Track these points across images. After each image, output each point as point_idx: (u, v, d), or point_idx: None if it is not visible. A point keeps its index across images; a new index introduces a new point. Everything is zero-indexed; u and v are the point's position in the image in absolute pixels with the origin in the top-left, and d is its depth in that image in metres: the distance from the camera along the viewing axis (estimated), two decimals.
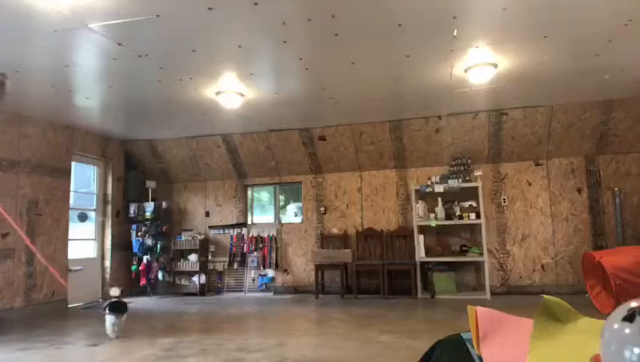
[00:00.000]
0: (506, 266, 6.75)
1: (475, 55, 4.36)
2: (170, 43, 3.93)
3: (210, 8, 3.31)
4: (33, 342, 4.30)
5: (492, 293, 6.37)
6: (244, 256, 7.70)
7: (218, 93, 5.22)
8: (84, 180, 7.37)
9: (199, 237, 7.78)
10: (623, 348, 0.92)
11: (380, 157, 7.20)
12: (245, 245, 7.73)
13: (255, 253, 7.64)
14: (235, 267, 7.75)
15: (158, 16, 3.40)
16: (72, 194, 6.69)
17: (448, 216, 6.67)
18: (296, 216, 8.10)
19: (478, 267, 6.76)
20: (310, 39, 3.95)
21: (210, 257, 7.87)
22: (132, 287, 7.50)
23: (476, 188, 6.54)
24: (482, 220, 6.45)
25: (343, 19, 3.57)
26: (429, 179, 6.92)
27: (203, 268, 7.69)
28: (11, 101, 5.31)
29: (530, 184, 6.81)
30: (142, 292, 7.50)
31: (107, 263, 7.28)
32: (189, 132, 7.20)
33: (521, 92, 5.56)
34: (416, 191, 6.81)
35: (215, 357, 3.58)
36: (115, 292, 4.63)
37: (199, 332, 4.66)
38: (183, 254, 7.78)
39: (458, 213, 6.64)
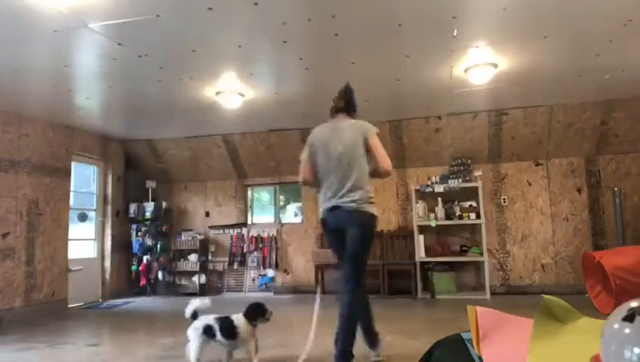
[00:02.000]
0: (506, 266, 6.75)
1: (475, 55, 4.36)
2: (170, 43, 3.93)
3: (210, 8, 3.31)
4: (33, 342, 4.30)
5: (492, 293, 6.37)
6: (244, 256, 7.70)
7: (218, 93, 5.22)
8: (84, 180, 7.37)
9: (199, 237, 7.78)
10: (623, 348, 0.92)
11: None
12: (245, 245, 7.73)
13: (255, 253, 7.64)
14: (235, 267, 7.75)
15: (158, 16, 3.40)
16: (72, 194, 6.69)
17: (448, 216, 6.67)
18: (296, 216, 8.10)
19: (478, 267, 6.76)
20: (310, 39, 3.95)
21: (210, 257, 7.87)
22: (132, 287, 7.51)
23: (476, 188, 6.54)
24: (482, 220, 6.45)
25: (343, 19, 3.57)
26: (429, 179, 6.92)
27: (203, 268, 7.69)
28: (11, 101, 5.32)
29: (530, 184, 6.81)
30: (142, 292, 7.50)
31: (107, 263, 7.28)
32: (189, 132, 7.20)
33: (521, 92, 5.55)
34: (416, 191, 6.80)
35: (215, 357, 3.58)
36: (202, 304, 3.35)
37: None
38: (183, 254, 7.78)
39: (458, 213, 6.64)
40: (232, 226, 7.88)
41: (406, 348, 3.71)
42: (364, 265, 3.03)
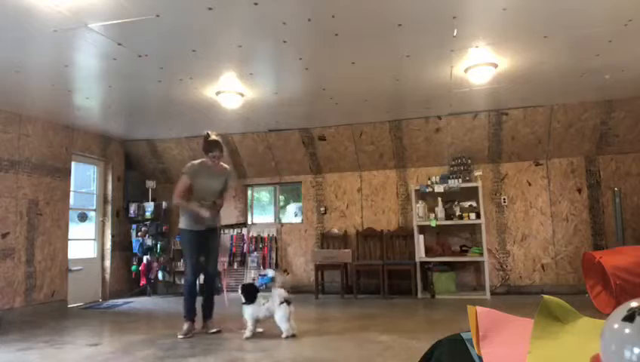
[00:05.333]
0: (506, 266, 6.75)
1: (475, 55, 4.36)
2: (170, 43, 3.93)
3: (210, 8, 3.31)
4: (33, 342, 4.30)
5: (492, 293, 6.37)
6: (244, 256, 7.70)
7: (218, 93, 5.22)
8: (84, 180, 7.37)
9: None
10: (623, 348, 0.92)
11: (379, 158, 7.20)
12: (245, 245, 7.73)
13: (255, 253, 7.64)
14: (235, 267, 7.75)
15: (158, 16, 3.40)
16: (72, 194, 6.69)
17: (448, 216, 6.67)
18: (296, 216, 8.10)
19: (478, 267, 6.76)
20: (310, 39, 3.95)
21: None
22: (132, 287, 7.51)
23: (476, 188, 6.54)
24: (482, 220, 6.45)
25: (343, 19, 3.57)
26: (429, 179, 6.92)
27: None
28: (11, 101, 5.32)
29: (530, 184, 6.81)
30: (142, 292, 7.50)
31: (107, 263, 7.28)
32: (189, 132, 7.19)
33: (521, 92, 5.55)
34: (416, 191, 6.80)
35: (215, 357, 3.58)
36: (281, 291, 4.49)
37: (199, 331, 4.66)
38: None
39: (458, 213, 6.63)
40: (232, 226, 7.87)
41: (406, 348, 3.71)
42: None
